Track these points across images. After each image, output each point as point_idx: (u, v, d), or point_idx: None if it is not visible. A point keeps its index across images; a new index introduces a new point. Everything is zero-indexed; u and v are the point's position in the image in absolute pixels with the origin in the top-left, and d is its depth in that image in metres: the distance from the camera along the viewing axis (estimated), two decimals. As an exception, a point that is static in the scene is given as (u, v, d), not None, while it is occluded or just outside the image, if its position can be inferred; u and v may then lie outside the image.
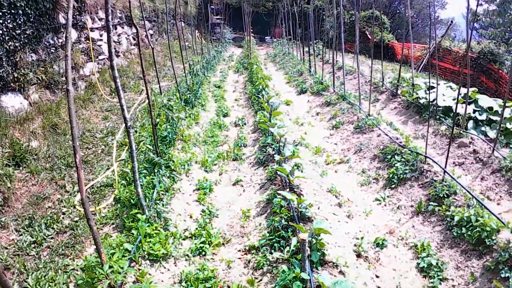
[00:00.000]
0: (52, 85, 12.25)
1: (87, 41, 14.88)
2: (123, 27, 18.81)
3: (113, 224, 6.78)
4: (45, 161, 9.15)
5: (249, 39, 25.76)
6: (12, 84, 10.48)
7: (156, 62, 20.55)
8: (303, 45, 24.25)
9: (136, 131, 10.07)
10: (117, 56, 17.59)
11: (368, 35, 31.17)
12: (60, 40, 12.86)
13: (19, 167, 8.68)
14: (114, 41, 17.45)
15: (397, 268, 5.80)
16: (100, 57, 15.82)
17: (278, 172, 6.75)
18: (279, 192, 6.35)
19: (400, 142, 9.01)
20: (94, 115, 13.04)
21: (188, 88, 12.91)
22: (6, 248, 6.29)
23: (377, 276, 5.48)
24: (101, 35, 15.98)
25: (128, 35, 19.15)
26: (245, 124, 11.90)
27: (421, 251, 5.99)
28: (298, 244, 5.07)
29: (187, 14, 32.49)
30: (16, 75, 10.41)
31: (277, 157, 7.34)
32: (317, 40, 26.70)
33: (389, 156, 8.68)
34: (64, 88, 12.75)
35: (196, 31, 33.34)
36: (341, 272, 5.01)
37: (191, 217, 6.82)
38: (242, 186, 7.89)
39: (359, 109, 11.84)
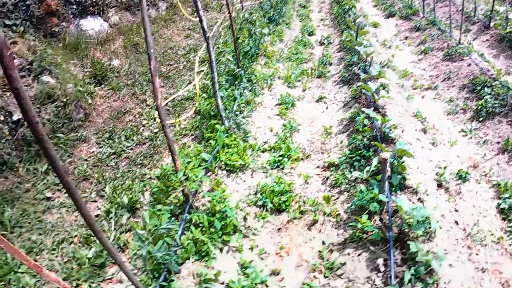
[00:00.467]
0: (132, 7, 12.31)
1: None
2: None
3: (192, 135, 6.88)
4: (126, 78, 9.36)
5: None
6: (91, 8, 10.62)
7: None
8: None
9: (218, 47, 9.97)
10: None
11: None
12: None
13: (100, 84, 8.97)
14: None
15: (477, 205, 5.45)
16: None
17: (363, 91, 6.48)
18: (363, 109, 6.10)
19: (491, 75, 8.33)
20: (176, 33, 13.08)
21: (272, 6, 12.57)
22: (86, 160, 6.58)
23: (456, 210, 5.16)
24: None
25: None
26: (330, 43, 11.51)
27: (503, 191, 5.60)
28: (379, 164, 4.90)
29: None
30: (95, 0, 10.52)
31: (362, 76, 7.04)
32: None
33: (479, 88, 8.08)
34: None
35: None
36: (420, 200, 4.80)
37: (271, 130, 6.78)
38: (326, 103, 7.71)
39: (449, 36, 11.04)
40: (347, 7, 12.38)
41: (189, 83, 8.89)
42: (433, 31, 11.98)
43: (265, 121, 6.98)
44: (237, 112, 6.60)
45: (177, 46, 11.56)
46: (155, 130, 7.12)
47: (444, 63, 9.84)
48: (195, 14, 14.92)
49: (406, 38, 12.39)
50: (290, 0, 16.57)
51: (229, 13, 7.27)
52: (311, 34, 12.41)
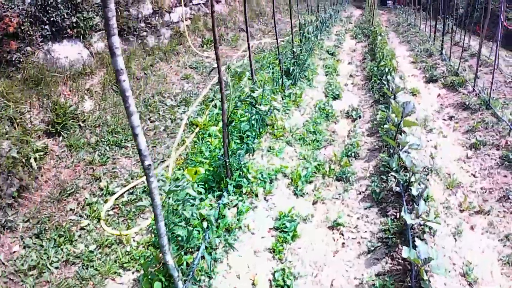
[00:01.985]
0: (126, 32, 10.22)
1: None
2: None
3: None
4: (92, 132, 7.20)
5: (373, 1, 22.29)
6: (68, 30, 8.51)
7: (263, 13, 18.10)
8: (431, 19, 20.69)
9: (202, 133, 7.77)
10: (217, 1, 15.20)
11: (504, 22, 26.26)
12: None
13: (59, 136, 6.81)
14: (217, -16, 15.00)
15: None
16: (195, 2, 13.53)
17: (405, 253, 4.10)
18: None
19: None
20: (174, 71, 10.96)
21: (294, 55, 10.31)
22: (3, 265, 4.44)
23: None
24: (197, -22, 13.65)
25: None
26: (360, 116, 9.16)
27: None
28: None
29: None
30: (75, 20, 8.44)
31: (406, 213, 4.67)
32: (446, 15, 22.75)
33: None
34: (142, 36, 10.78)
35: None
36: None
37: (253, 284, 4.45)
38: (342, 234, 5.30)
39: (509, 128, 8.68)
40: (385, 69, 10.09)
41: (163, 161, 6.68)
42: (485, 115, 9.64)
43: (248, 261, 4.68)
44: (204, 266, 4.27)
45: (168, 90, 9.43)
46: (92, 247, 4.86)
47: (502, 171, 7.45)
48: (205, 46, 12.79)
49: (451, 118, 10.03)
50: (318, 45, 14.37)
51: (220, 82, 5.02)
52: (336, 97, 10.16)
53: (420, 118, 9.51)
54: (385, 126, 6.91)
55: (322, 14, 16.87)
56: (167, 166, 6.48)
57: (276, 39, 8.84)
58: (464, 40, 13.22)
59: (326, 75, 11.92)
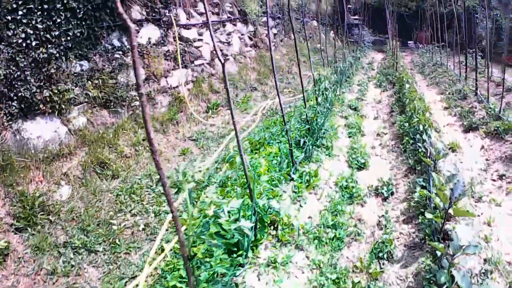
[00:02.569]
0: (113, 103, 8.88)
1: (176, 43, 11.37)
2: (235, 24, 15.08)
3: None
4: (63, 228, 5.90)
5: (395, 44, 20.67)
6: (41, 105, 7.22)
7: (278, 68, 16.72)
8: (458, 55, 19.06)
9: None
10: (225, 60, 13.83)
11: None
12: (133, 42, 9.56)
13: (27, 229, 5.54)
14: (221, 41, 13.72)
15: None
16: (197, 62, 12.20)
17: None
18: None
19: None
20: (172, 145, 9.54)
21: (308, 121, 8.61)
22: None
23: None
24: (200, 34, 12.35)
25: (242, 34, 15.36)
26: (392, 193, 7.31)
27: None
28: None
29: (320, 12, 28.48)
30: (48, 94, 7.14)
31: None
32: (471, 49, 21.04)
33: None
34: (133, 106, 9.42)
35: (331, 32, 29.04)
36: None
37: None
38: None
39: None
40: (420, 127, 8.31)
41: (133, 277, 5.06)
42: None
43: None
44: None
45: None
46: None
47: None
48: (210, 111, 11.35)
49: (501, 177, 8.11)
50: (338, 100, 12.74)
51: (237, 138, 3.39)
52: (362, 167, 8.40)
53: (465, 180, 7.62)
54: (427, 214, 5.10)
55: (341, 64, 15.23)
56: (137, 286, 4.85)
57: (279, 103, 7.18)
58: (491, 73, 11.41)
59: (349, 136, 10.24)
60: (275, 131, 9.00)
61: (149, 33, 10.53)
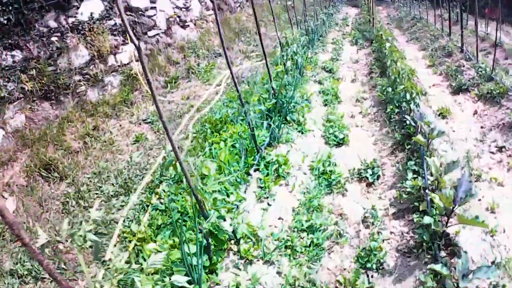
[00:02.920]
0: (54, 93, 7.59)
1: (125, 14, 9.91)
2: (193, -14, 13.56)
3: None
4: (9, 254, 4.77)
5: (372, -2, 19.20)
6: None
7: (244, 31, 15.32)
8: (440, 9, 17.88)
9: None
10: (184, 26, 12.43)
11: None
12: (71, 20, 8.26)
13: None
14: (177, 7, 12.30)
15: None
16: (151, 33, 10.78)
17: None
18: None
19: None
20: (126, 131, 8.30)
21: (274, 93, 7.27)
22: None
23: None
24: (153, 1, 10.92)
25: (202, -3, 13.87)
26: (378, 177, 6.10)
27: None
28: None
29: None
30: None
31: None
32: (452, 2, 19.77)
33: None
34: (79, 93, 8.16)
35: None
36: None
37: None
38: None
39: None
40: (407, 95, 7.10)
41: None
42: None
43: None
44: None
45: (110, 167, 6.81)
46: None
47: None
48: (169, 85, 10.09)
49: (501, 149, 7.02)
50: (310, 63, 11.47)
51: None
52: (341, 143, 7.21)
53: (460, 155, 6.55)
54: (425, 219, 3.99)
55: (312, 23, 13.81)
56: None
57: (232, 77, 5.90)
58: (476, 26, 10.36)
59: (325, 105, 9.05)
60: (239, 107, 7.77)
61: (92, 7, 9.16)
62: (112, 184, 6.28)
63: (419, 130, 5.97)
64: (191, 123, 8.22)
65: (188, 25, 12.61)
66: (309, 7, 17.76)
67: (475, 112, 8.62)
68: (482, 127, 7.95)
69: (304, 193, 5.61)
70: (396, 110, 7.73)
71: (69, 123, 7.74)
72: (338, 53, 13.75)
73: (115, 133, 8.13)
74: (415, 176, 5.42)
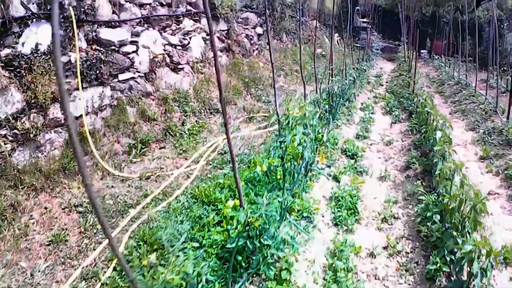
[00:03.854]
0: None
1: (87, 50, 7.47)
2: (197, 20, 10.96)
3: None
4: None
5: (414, 56, 16.23)
6: None
7: (257, 81, 12.74)
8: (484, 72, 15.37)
9: None
10: (176, 70, 9.79)
11: None
12: (7, 51, 5.88)
13: None
14: (171, 44, 9.70)
15: None
16: (123, 76, 8.16)
17: None
18: None
19: None
20: (50, 218, 5.81)
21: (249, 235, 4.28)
22: None
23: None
24: (135, 34, 8.34)
25: (207, 34, 11.21)
26: None
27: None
28: None
29: (324, 12, 24.36)
30: None
31: None
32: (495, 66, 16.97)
33: None
34: (1, 153, 5.64)
35: (336, 34, 24.84)
36: None
37: None
38: None
39: None
40: (469, 254, 4.16)
41: None
42: None
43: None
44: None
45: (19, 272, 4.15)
46: None
47: None
48: (133, 152, 7.48)
49: None
50: (329, 142, 8.57)
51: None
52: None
53: None
54: None
55: (335, 87, 10.62)
56: None
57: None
58: None
59: (336, 223, 6.14)
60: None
61: (40, 36, 6.68)
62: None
63: None
64: (131, 228, 5.52)
65: (183, 68, 9.95)
66: (347, 56, 14.98)
67: None
68: None
69: None
70: (445, 269, 4.77)
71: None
72: (366, 127, 10.85)
73: (35, 219, 5.49)
74: None
